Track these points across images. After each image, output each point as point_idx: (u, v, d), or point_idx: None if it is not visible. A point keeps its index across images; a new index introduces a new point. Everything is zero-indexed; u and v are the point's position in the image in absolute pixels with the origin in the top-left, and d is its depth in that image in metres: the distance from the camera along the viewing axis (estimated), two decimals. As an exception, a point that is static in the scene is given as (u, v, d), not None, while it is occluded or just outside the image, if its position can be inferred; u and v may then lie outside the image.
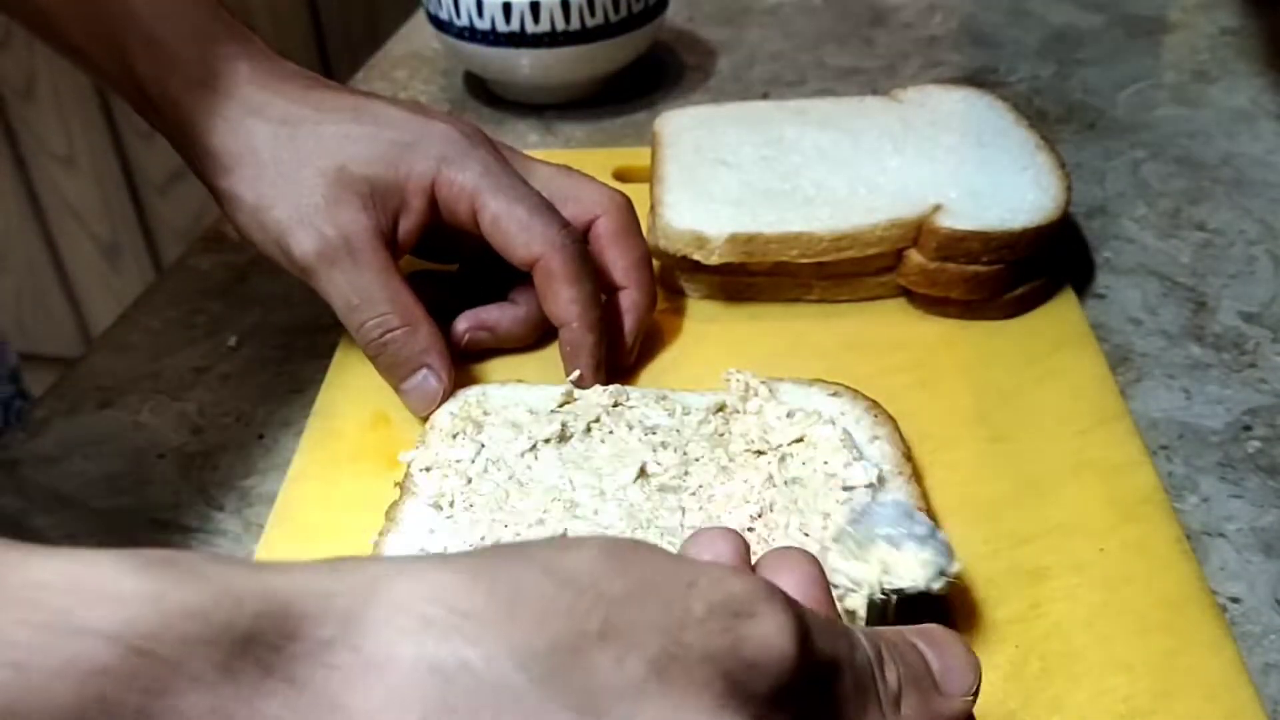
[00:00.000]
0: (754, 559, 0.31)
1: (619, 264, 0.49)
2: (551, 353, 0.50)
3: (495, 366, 0.50)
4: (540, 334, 0.50)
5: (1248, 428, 0.47)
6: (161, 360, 0.53)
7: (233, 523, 0.45)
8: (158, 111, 0.47)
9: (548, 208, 0.47)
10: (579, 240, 0.48)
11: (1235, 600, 0.40)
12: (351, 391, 0.49)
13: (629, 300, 0.49)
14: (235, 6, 0.49)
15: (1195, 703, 0.35)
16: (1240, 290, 0.54)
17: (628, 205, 0.50)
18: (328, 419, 0.48)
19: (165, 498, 0.46)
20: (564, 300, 0.46)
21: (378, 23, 1.10)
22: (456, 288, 0.51)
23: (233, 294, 0.57)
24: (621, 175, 0.62)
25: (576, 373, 0.47)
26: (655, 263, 0.55)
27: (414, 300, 0.46)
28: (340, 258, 0.45)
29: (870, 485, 0.40)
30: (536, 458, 0.42)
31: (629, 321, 0.49)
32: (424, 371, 0.46)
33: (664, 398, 0.45)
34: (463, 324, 0.49)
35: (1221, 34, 0.78)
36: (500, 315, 0.50)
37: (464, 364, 0.49)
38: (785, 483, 0.41)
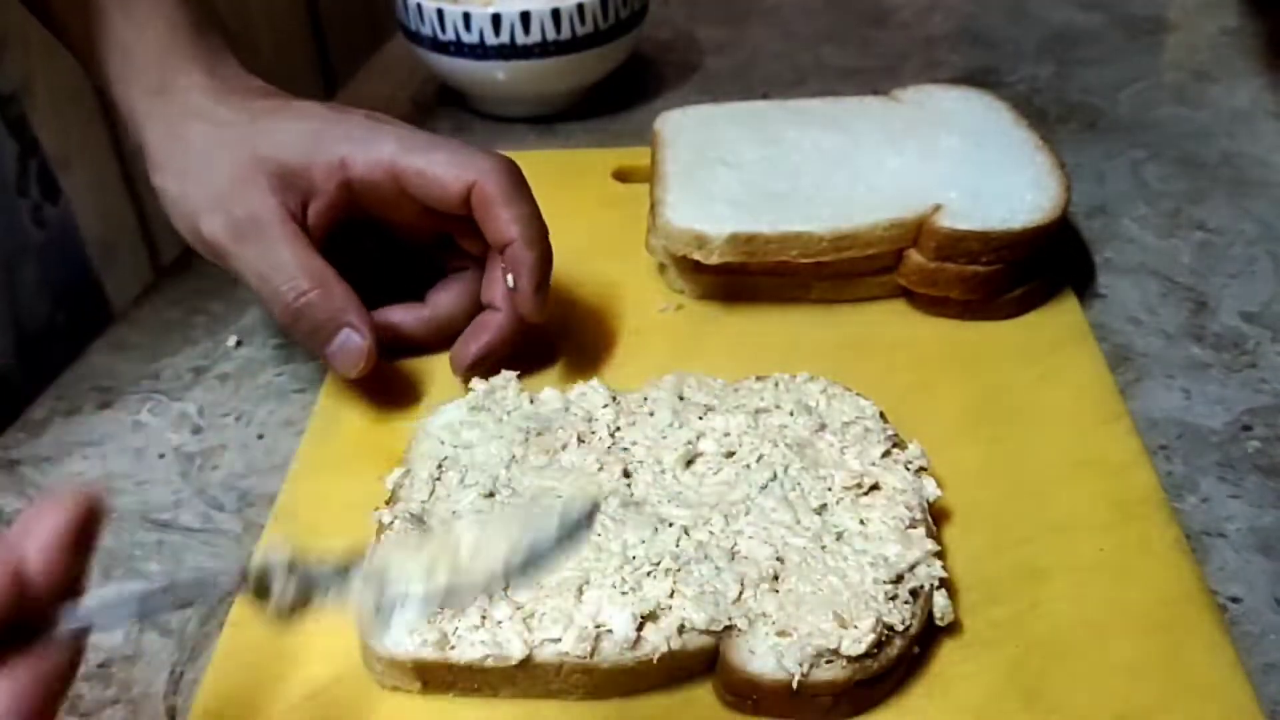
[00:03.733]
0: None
1: (505, 219, 0.46)
2: (547, 357, 0.50)
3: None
4: (445, 338, 0.49)
5: (1248, 428, 0.47)
6: (161, 360, 0.53)
7: (233, 523, 0.45)
8: (118, 109, 0.50)
9: (469, 147, 0.47)
10: (511, 164, 0.47)
11: (1235, 600, 0.40)
12: (351, 392, 0.49)
13: (520, 253, 0.46)
14: (234, 10, 0.49)
15: (1195, 703, 0.35)
16: (1240, 290, 0.54)
17: (513, 168, 0.48)
18: (328, 419, 0.48)
19: (165, 498, 0.46)
20: (503, 221, 0.46)
21: (378, 24, 1.10)
22: (367, 287, 0.49)
23: (233, 294, 0.57)
24: (621, 175, 0.62)
25: (511, 280, 0.46)
26: (658, 261, 0.55)
27: (325, 264, 0.46)
28: (249, 234, 0.45)
29: (875, 460, 0.41)
30: (523, 463, 0.42)
31: (525, 277, 0.46)
32: (345, 331, 0.46)
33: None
34: None
35: (1221, 34, 0.78)
36: (405, 315, 0.50)
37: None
38: (787, 445, 0.41)
